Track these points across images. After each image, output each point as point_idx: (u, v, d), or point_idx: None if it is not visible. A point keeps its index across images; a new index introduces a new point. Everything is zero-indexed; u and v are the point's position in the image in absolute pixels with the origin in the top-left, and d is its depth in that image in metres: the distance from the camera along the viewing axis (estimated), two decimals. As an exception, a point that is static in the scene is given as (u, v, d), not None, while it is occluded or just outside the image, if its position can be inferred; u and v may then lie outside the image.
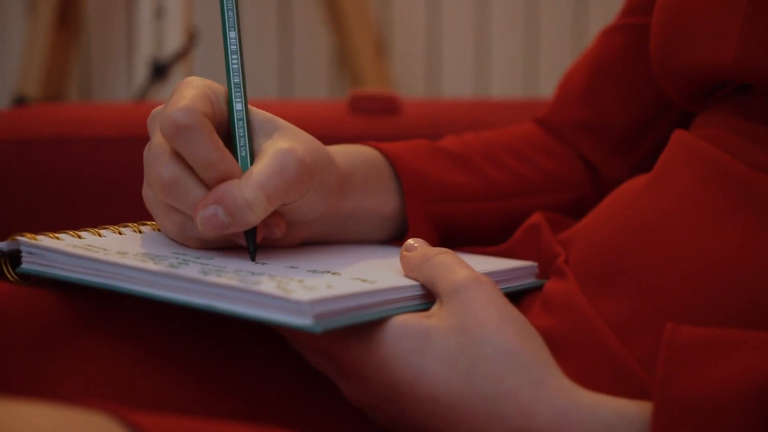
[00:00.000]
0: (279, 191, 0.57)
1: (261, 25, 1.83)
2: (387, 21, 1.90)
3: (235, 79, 0.60)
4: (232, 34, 0.61)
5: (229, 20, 0.60)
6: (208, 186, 0.58)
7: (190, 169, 0.58)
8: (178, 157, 0.57)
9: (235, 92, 0.60)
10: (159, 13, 1.45)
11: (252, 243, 0.59)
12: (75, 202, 0.94)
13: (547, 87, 1.93)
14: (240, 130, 0.60)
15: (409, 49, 1.92)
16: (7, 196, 0.93)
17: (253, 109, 0.61)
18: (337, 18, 1.75)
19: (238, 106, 0.60)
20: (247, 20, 1.81)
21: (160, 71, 1.41)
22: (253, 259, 0.59)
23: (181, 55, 1.45)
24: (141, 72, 1.46)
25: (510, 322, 0.51)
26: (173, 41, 1.45)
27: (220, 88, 0.60)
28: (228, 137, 0.60)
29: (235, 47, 0.60)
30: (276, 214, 0.61)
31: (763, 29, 0.59)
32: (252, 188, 0.56)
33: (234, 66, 0.60)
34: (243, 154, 0.60)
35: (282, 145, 0.59)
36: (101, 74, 1.78)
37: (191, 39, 1.47)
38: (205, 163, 0.57)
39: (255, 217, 0.57)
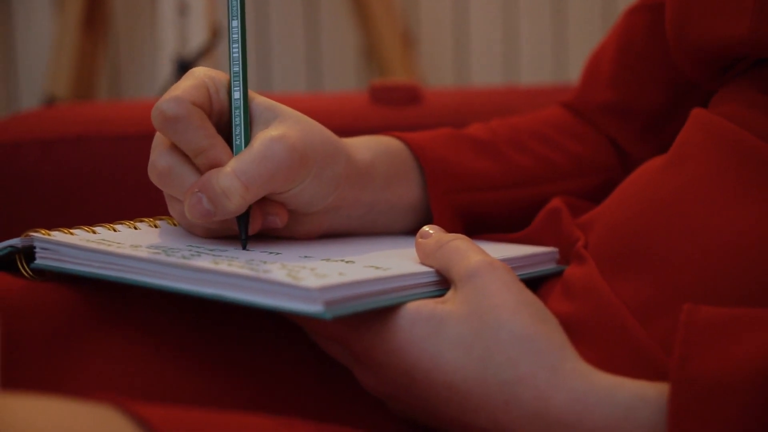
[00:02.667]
0: (260, 179, 0.57)
1: (288, 19, 1.83)
2: (414, 12, 1.89)
3: (234, 68, 0.60)
4: (234, 23, 0.61)
5: (232, 9, 0.60)
6: (203, 174, 0.58)
7: (186, 158, 0.58)
8: (175, 147, 0.58)
9: (233, 81, 0.60)
10: (183, 10, 1.45)
11: (243, 231, 0.59)
12: (99, 200, 0.94)
13: (576, 71, 1.91)
14: (236, 119, 0.60)
15: (437, 39, 1.91)
16: (32, 196, 0.94)
17: (257, 97, 0.61)
18: (363, 11, 1.75)
19: (236, 95, 0.60)
20: (275, 14, 1.81)
21: (184, 68, 1.41)
22: (244, 247, 0.59)
23: (206, 51, 1.45)
24: (166, 69, 1.47)
25: (525, 306, 0.51)
26: (197, 38, 1.46)
27: (223, 77, 0.61)
28: (230, 126, 0.60)
29: (236, 36, 0.61)
30: (275, 203, 0.61)
31: None
32: (227, 176, 0.57)
33: (234, 55, 0.61)
34: (238, 142, 0.60)
35: (272, 132, 0.59)
36: (129, 72, 1.79)
37: (215, 35, 1.47)
38: (196, 151, 0.58)
39: (232, 205, 0.57)
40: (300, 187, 0.60)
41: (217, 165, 0.58)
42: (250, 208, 0.59)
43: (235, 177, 0.57)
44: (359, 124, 0.96)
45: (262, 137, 0.59)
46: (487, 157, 0.75)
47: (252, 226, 0.60)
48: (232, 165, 0.57)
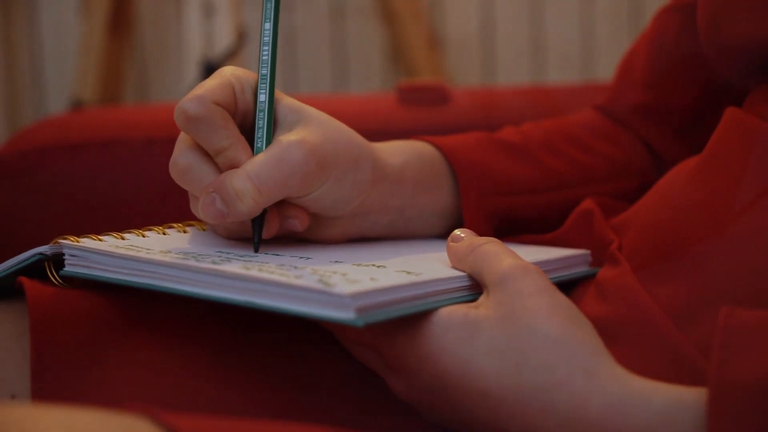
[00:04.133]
0: (274, 183, 0.57)
1: (314, 21, 1.83)
2: (439, 12, 1.88)
3: (263, 71, 0.60)
4: (267, 26, 0.60)
5: (266, 12, 0.60)
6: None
7: (207, 156, 0.58)
8: (197, 145, 0.58)
9: (260, 83, 0.60)
10: (208, 12, 1.45)
11: (257, 234, 0.59)
12: (127, 205, 0.94)
13: (604, 70, 1.90)
14: (260, 121, 0.60)
15: (463, 40, 1.90)
16: (60, 201, 0.94)
17: (284, 99, 0.61)
18: (389, 12, 1.74)
19: (261, 97, 0.60)
20: (301, 15, 1.81)
21: (210, 70, 1.41)
22: (256, 250, 0.59)
23: (232, 53, 1.45)
24: (192, 72, 1.47)
25: (559, 309, 0.50)
26: (223, 40, 1.46)
27: (251, 77, 0.60)
28: (255, 127, 0.60)
29: (267, 39, 0.60)
30: (295, 207, 0.61)
31: None
32: (241, 178, 0.57)
33: (264, 57, 0.60)
34: (259, 144, 0.60)
35: (291, 137, 0.58)
36: (156, 75, 1.79)
37: (241, 37, 1.47)
38: (216, 150, 0.58)
39: (245, 207, 0.57)
40: (319, 192, 0.60)
41: (236, 165, 0.58)
42: (265, 210, 0.59)
43: (248, 179, 0.56)
44: (388, 125, 0.95)
45: (280, 140, 0.58)
46: (520, 161, 0.75)
47: (269, 229, 0.60)
48: (247, 167, 0.57)
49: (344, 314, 0.48)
